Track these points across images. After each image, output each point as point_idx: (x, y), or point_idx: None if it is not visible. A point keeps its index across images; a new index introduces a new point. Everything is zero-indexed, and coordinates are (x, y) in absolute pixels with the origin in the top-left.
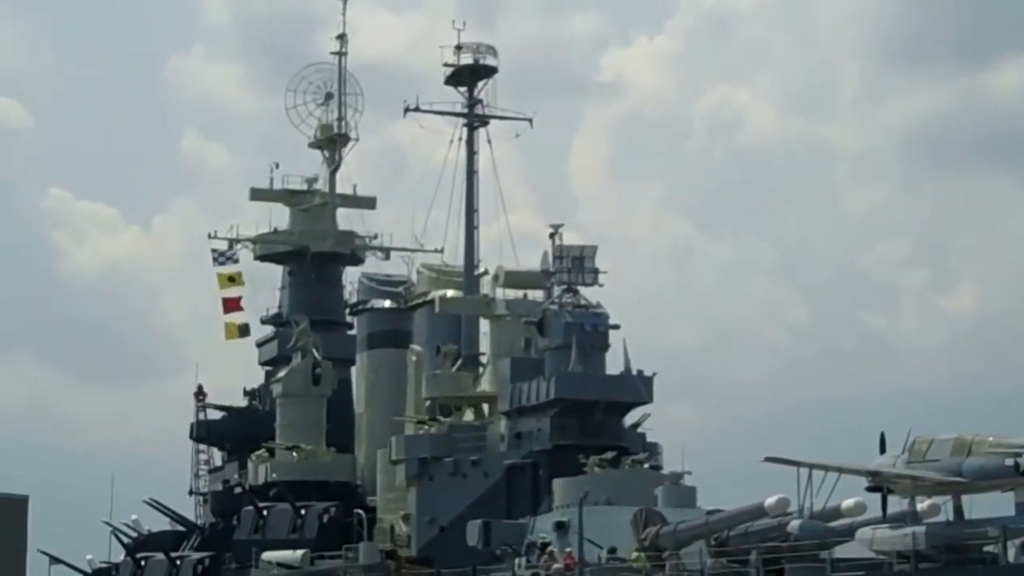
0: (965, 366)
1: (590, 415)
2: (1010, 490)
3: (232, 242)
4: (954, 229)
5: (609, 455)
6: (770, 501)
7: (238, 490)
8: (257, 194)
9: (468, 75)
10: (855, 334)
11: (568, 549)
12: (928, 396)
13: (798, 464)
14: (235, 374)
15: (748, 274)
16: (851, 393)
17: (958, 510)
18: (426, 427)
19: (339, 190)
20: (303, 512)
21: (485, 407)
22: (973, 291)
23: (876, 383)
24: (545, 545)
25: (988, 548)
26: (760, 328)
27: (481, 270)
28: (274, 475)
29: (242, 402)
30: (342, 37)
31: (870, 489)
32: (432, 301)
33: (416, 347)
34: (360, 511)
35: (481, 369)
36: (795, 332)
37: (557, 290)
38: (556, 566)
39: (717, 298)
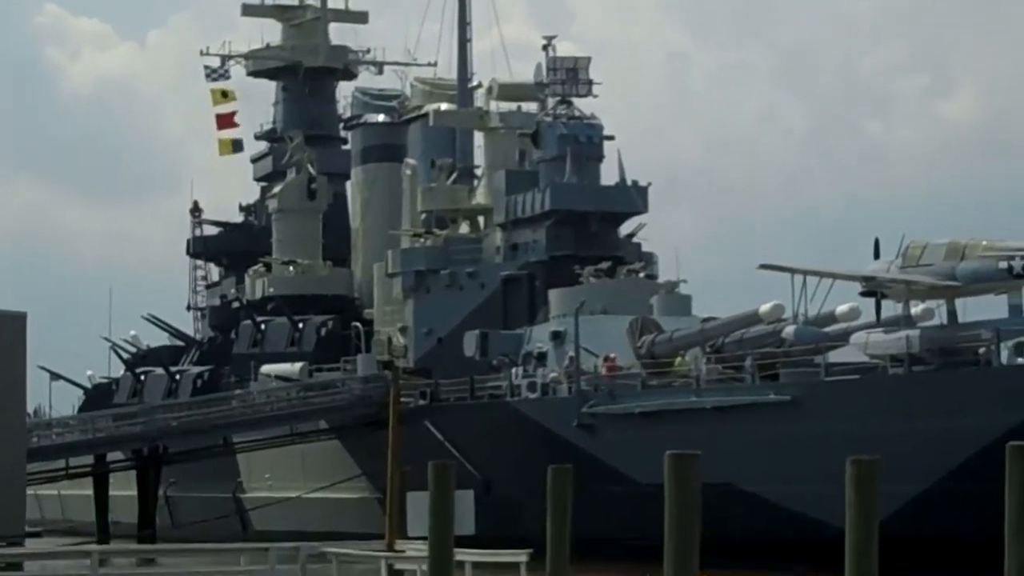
0: (960, 171)
1: (585, 225)
2: (1003, 293)
3: (224, 58)
4: (955, 33)
5: (604, 265)
6: (765, 308)
7: (236, 305)
8: (248, 10)
9: None
10: (853, 141)
11: (613, 355)
12: (923, 202)
13: (792, 271)
14: (231, 190)
15: (746, 81)
16: (847, 201)
17: (952, 313)
18: (422, 240)
19: (330, 4)
20: (301, 325)
21: (480, 219)
22: (971, 96)
23: (872, 190)
24: (542, 355)
25: (981, 350)
26: (758, 136)
27: (475, 83)
28: (271, 289)
29: (238, 218)
30: None
31: (864, 294)
32: (426, 115)
33: (411, 161)
34: (357, 324)
35: (476, 182)
36: (793, 139)
37: (551, 102)
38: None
39: (714, 106)
